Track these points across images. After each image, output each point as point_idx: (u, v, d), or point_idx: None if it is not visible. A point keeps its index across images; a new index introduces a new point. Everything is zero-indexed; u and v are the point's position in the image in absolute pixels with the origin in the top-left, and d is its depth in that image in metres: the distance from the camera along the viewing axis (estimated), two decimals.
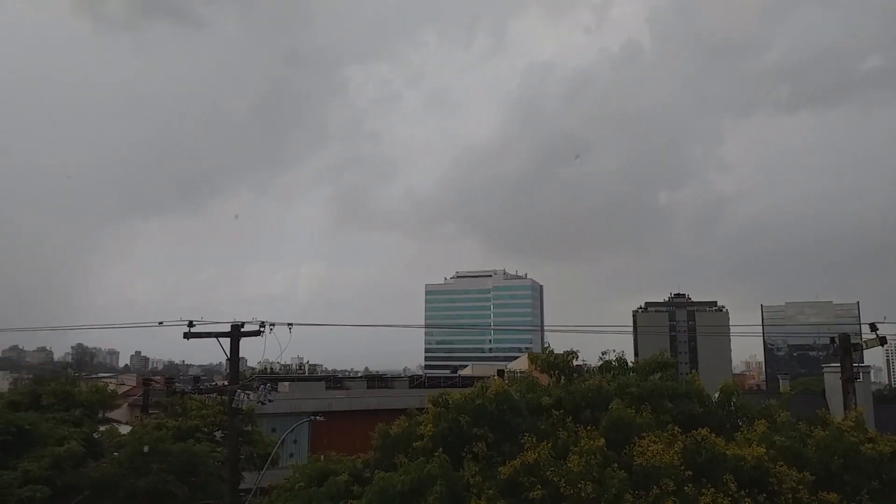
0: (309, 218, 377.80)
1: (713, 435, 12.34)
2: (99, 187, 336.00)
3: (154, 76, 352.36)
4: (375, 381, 51.89)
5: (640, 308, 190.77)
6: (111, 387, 35.43)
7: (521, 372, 27.05)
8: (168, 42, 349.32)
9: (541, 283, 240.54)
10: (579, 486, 10.92)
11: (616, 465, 11.46)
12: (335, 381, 50.45)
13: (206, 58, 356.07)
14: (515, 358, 75.67)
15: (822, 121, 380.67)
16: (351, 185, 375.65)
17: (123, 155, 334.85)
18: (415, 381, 51.08)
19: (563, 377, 15.17)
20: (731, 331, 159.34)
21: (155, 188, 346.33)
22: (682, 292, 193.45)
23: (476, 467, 11.93)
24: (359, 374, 74.13)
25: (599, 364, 15.48)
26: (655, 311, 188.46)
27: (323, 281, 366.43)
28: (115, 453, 23.19)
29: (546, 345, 15.95)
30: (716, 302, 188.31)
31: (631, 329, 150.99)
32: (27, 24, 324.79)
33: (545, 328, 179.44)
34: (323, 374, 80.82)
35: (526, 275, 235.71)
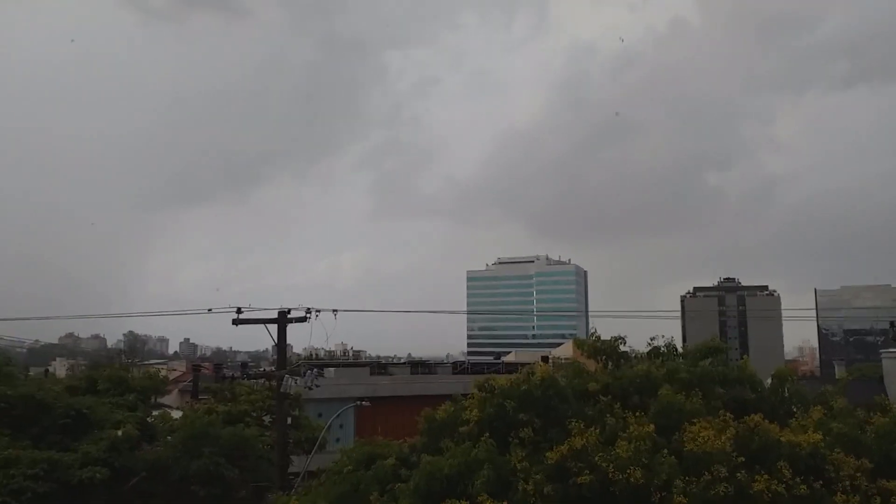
0: (351, 205, 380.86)
1: (766, 421, 12.03)
2: (148, 177, 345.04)
3: (197, 66, 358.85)
4: (419, 367, 52.17)
5: (689, 293, 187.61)
6: (162, 373, 36.54)
7: (565, 358, 26.86)
8: (210, 32, 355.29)
9: (585, 269, 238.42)
10: (628, 471, 10.77)
11: (666, 451, 11.27)
12: (379, 366, 50.93)
13: (247, 46, 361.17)
14: (559, 344, 75.19)
15: (880, 97, 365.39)
16: (392, 171, 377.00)
17: (171, 144, 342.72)
18: (458, 368, 51.18)
19: (610, 363, 14.97)
20: (783, 315, 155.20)
21: (201, 177, 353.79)
22: (731, 276, 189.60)
23: (523, 452, 11.87)
24: (402, 361, 74.74)
25: (648, 350, 15.23)
26: (704, 295, 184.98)
27: (365, 268, 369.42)
28: (168, 437, 23.90)
29: (592, 330, 15.74)
30: (767, 286, 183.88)
31: (679, 314, 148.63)
32: (76, 16, 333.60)
33: (590, 314, 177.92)
34: (367, 360, 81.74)
35: (570, 260, 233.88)
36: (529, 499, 10.98)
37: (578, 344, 16.30)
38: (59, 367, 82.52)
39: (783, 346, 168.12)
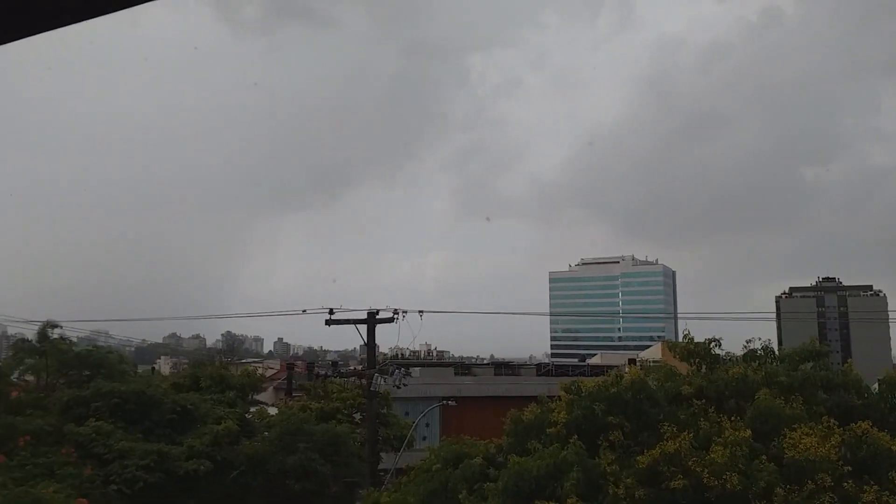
0: (434, 208, 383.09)
1: (875, 429, 11.42)
2: (243, 185, 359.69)
3: (287, 76, 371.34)
4: (502, 368, 52.11)
5: (784, 293, 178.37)
6: (259, 371, 38.13)
7: (654, 361, 26.26)
8: (299, 42, 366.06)
9: (673, 269, 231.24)
10: (724, 477, 10.50)
11: (764, 457, 10.91)
12: (463, 367, 51.20)
13: (335, 55, 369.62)
14: (646, 347, 73.27)
15: None
16: (474, 173, 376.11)
17: (263, 153, 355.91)
18: (542, 370, 50.76)
19: (703, 366, 14.57)
20: (889, 317, 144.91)
21: (291, 184, 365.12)
22: (831, 276, 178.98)
23: (612, 455, 11.76)
24: (485, 362, 74.80)
25: (743, 353, 14.72)
26: (802, 296, 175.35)
27: (448, 269, 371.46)
28: (266, 433, 24.92)
29: (685, 331, 15.33)
30: (871, 286, 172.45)
31: (774, 316, 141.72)
32: (173, 32, 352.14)
33: (679, 315, 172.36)
34: (450, 360, 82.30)
35: (657, 260, 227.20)
36: (620, 502, 10.90)
37: (670, 346, 15.95)
38: (164, 365, 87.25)
39: (890, 349, 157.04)
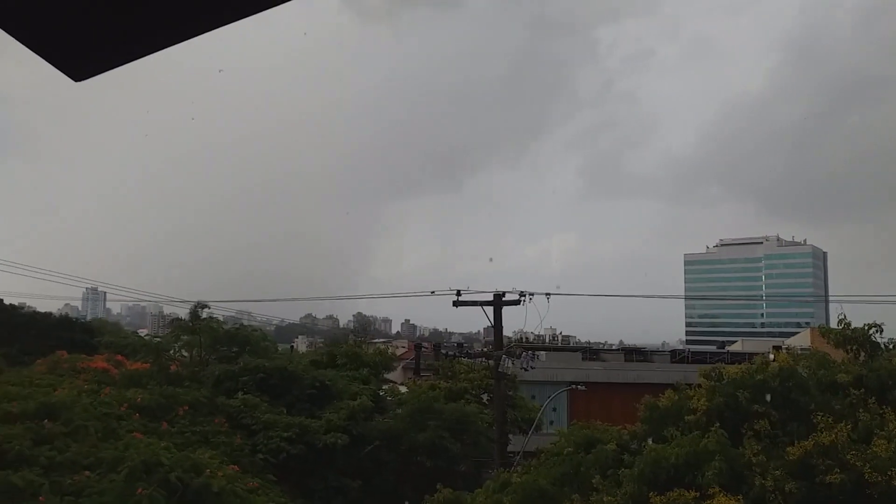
0: (560, 188, 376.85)
1: None
2: (372, 172, 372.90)
3: (410, 61, 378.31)
4: (633, 354, 50.65)
5: None
6: (389, 350, 39.46)
7: (803, 348, 24.46)
8: (424, 26, 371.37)
9: (824, 250, 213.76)
10: (889, 473, 9.56)
11: None
12: (591, 352, 50.29)
13: (459, 37, 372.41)
14: (792, 334, 68.37)
15: None
16: (603, 150, 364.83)
17: (390, 139, 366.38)
18: (677, 356, 48.81)
19: (862, 353, 13.32)
20: None
21: (417, 169, 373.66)
22: None
23: (758, 446, 11.06)
24: (613, 347, 73.01)
25: None
26: None
27: (575, 251, 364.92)
28: (398, 410, 25.72)
29: (841, 316, 14.07)
30: None
31: None
32: (301, 23, 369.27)
33: (830, 299, 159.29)
34: (576, 345, 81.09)
35: (805, 240, 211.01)
36: (768, 495, 10.21)
37: (823, 332, 14.71)
38: (301, 344, 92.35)
39: None
